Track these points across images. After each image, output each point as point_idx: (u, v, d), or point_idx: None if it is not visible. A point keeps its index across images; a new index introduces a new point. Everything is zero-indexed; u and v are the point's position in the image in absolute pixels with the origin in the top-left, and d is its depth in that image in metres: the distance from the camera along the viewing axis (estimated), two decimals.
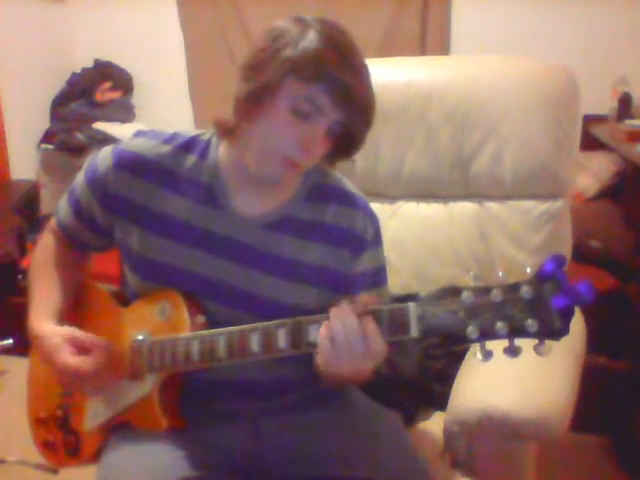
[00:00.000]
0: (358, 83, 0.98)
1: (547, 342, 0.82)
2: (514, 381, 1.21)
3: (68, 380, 1.10)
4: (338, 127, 1.01)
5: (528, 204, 1.60)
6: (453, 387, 1.34)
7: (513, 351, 0.84)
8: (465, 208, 1.66)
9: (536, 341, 0.83)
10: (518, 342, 0.84)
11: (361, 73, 1.00)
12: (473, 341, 0.85)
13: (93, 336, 1.08)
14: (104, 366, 1.07)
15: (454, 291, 0.86)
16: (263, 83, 0.98)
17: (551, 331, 0.82)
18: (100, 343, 1.07)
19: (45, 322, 1.11)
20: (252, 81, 0.99)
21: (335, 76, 0.96)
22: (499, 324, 0.83)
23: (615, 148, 2.71)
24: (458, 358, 1.44)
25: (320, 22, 1.00)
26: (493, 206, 1.64)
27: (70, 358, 1.05)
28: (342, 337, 0.90)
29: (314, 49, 0.96)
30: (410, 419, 1.38)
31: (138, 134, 1.15)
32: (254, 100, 0.99)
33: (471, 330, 0.84)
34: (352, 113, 0.99)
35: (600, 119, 2.81)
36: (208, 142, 1.12)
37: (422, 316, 0.87)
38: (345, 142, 1.04)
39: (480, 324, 0.84)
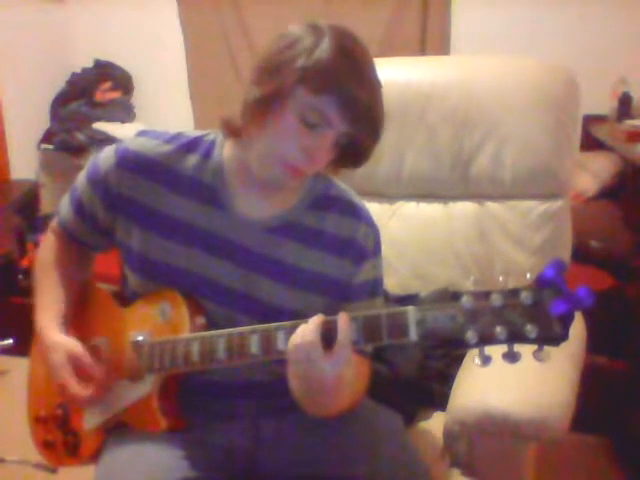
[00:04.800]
0: (368, 97, 0.98)
1: (546, 348, 0.82)
2: (514, 381, 1.21)
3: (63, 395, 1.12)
4: (345, 138, 1.01)
5: (528, 204, 1.60)
6: (453, 387, 1.34)
7: (512, 356, 0.83)
8: (465, 208, 1.66)
9: (535, 347, 0.82)
10: (517, 348, 0.83)
11: (372, 86, 0.99)
12: (472, 346, 0.84)
13: (96, 366, 1.09)
14: (99, 396, 1.09)
15: (454, 295, 0.86)
16: (273, 90, 0.97)
17: (550, 337, 0.81)
18: (101, 375, 1.08)
19: (53, 329, 1.11)
20: (263, 86, 0.99)
21: (345, 89, 0.96)
22: (498, 329, 0.83)
23: (615, 148, 2.71)
24: (458, 358, 1.44)
25: (335, 30, 0.99)
26: (493, 206, 1.64)
27: (69, 381, 1.07)
28: (300, 340, 0.91)
29: (326, 60, 0.95)
30: (410, 419, 1.38)
31: (141, 133, 1.15)
32: (263, 105, 0.99)
33: (470, 335, 0.84)
34: (360, 126, 0.99)
35: (600, 119, 2.81)
36: (212, 142, 1.12)
37: (421, 320, 0.87)
38: (352, 152, 1.04)
39: (479, 329, 0.83)
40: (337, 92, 0.96)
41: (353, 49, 0.99)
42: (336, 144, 1.01)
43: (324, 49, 0.96)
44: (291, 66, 0.96)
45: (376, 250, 1.17)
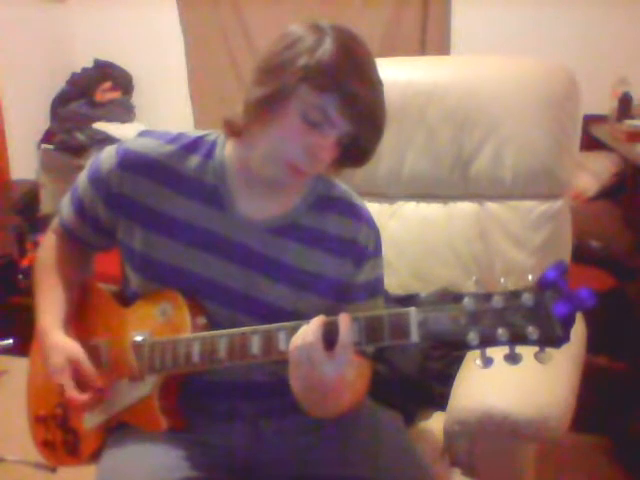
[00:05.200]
0: (370, 95, 0.98)
1: (548, 350, 0.82)
2: (514, 381, 1.21)
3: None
4: (347, 138, 1.01)
5: (528, 204, 1.60)
6: (453, 387, 1.34)
7: (513, 358, 0.84)
8: (465, 208, 1.66)
9: (537, 348, 0.83)
10: (519, 349, 0.84)
11: (374, 85, 1.00)
12: (473, 347, 0.84)
13: (95, 372, 1.09)
14: (96, 401, 1.09)
15: (455, 297, 0.86)
16: (276, 89, 0.98)
17: (552, 339, 0.82)
18: (99, 382, 1.08)
19: (55, 331, 1.11)
20: (265, 86, 0.99)
21: (347, 88, 0.96)
22: (500, 331, 0.83)
23: (615, 148, 2.71)
24: (458, 358, 1.44)
25: (337, 30, 0.99)
26: (493, 206, 1.64)
27: (67, 385, 1.07)
28: (301, 341, 0.91)
29: (329, 59, 0.96)
30: (410, 419, 1.38)
31: (142, 133, 1.15)
32: (265, 105, 0.99)
33: (472, 336, 0.84)
34: (362, 126, 0.99)
35: (600, 119, 2.81)
36: (214, 143, 1.12)
37: (423, 321, 0.87)
38: (354, 152, 1.04)
39: (481, 331, 0.84)
40: (340, 91, 0.96)
41: (355, 48, 0.99)
42: (339, 143, 1.01)
43: (326, 48, 0.96)
44: (293, 65, 0.96)
45: (377, 250, 1.17)
